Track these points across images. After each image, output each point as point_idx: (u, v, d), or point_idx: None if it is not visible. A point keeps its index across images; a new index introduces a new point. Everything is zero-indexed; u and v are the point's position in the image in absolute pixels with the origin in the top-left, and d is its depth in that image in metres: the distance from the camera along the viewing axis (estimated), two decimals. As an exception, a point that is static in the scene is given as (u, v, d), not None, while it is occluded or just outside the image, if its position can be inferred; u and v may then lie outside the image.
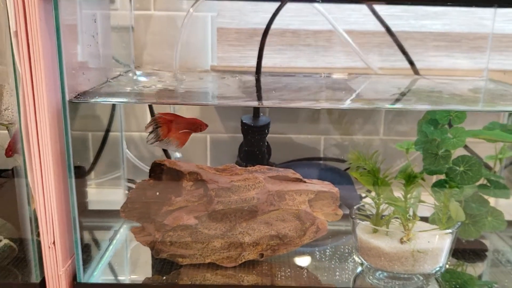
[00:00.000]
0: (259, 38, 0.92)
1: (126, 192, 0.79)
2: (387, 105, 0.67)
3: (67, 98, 0.51)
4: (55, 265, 0.55)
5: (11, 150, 0.56)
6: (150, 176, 0.64)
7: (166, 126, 0.56)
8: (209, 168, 0.64)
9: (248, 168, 0.65)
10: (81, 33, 0.56)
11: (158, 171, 0.63)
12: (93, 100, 0.57)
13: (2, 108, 0.54)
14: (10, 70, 0.50)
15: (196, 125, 0.57)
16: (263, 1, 0.82)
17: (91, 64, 0.62)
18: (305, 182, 0.65)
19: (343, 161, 0.89)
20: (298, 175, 0.65)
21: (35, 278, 0.58)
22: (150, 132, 0.55)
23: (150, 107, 0.81)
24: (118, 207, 0.67)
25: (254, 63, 0.94)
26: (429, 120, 0.64)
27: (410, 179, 0.62)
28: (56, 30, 0.50)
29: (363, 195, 0.79)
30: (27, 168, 0.53)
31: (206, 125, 0.58)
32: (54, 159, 0.52)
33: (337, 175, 0.86)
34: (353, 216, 0.63)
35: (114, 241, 0.71)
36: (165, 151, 0.82)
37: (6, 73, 0.50)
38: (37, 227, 0.56)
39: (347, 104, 0.64)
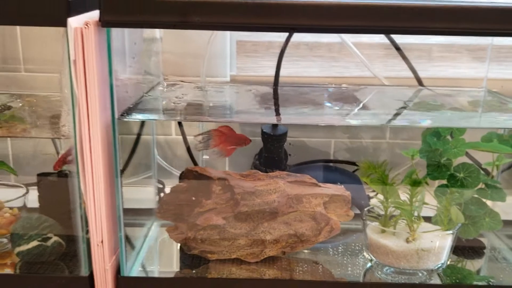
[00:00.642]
0: (274, 50, 1.00)
1: (157, 192, 0.86)
2: (395, 123, 0.74)
3: (116, 116, 0.59)
4: (102, 261, 0.63)
5: (60, 164, 0.64)
6: (181, 180, 0.72)
7: (217, 138, 0.63)
8: (234, 174, 0.72)
9: (269, 173, 0.72)
10: (126, 56, 0.64)
11: (190, 176, 0.71)
12: (138, 118, 0.65)
13: (60, 125, 0.62)
14: (68, 93, 0.57)
15: (242, 140, 0.65)
16: (273, 32, 0.88)
17: (131, 82, 0.69)
18: (320, 186, 0.73)
19: (352, 163, 0.96)
20: (314, 180, 0.73)
21: (84, 272, 0.66)
22: (201, 142, 0.63)
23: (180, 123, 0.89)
24: (149, 206, 0.75)
25: (270, 73, 1.01)
26: (432, 132, 0.71)
27: (415, 184, 0.69)
28: (108, 57, 0.57)
29: (371, 195, 0.86)
30: (80, 175, 0.60)
31: (250, 141, 0.65)
32: (103, 167, 0.60)
33: (347, 177, 0.93)
34: (364, 218, 0.71)
35: (147, 238, 0.79)
36: (191, 155, 0.90)
37: (64, 97, 0.58)
38: (86, 226, 0.64)
39: (357, 122, 0.72)
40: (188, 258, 0.73)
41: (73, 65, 0.56)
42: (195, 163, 0.91)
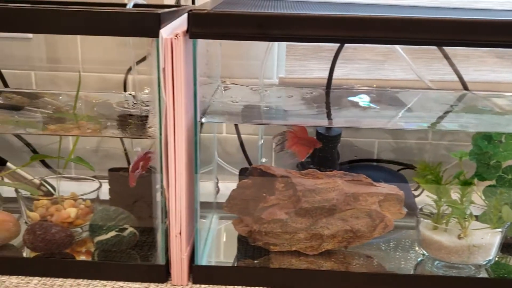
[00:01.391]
0: (323, 54, 1.05)
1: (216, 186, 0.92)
2: (447, 126, 0.78)
3: (198, 120, 0.65)
4: (179, 251, 0.69)
5: (134, 180, 0.70)
6: (241, 176, 0.78)
7: (291, 140, 0.69)
8: (295, 172, 0.77)
9: (327, 173, 0.78)
10: (203, 64, 0.69)
11: (254, 173, 0.77)
12: (216, 120, 0.70)
13: (147, 126, 0.69)
14: (155, 98, 0.63)
15: (312, 143, 0.70)
16: (325, 43, 0.92)
17: (203, 87, 0.75)
18: (375, 185, 0.78)
19: (398, 163, 1.01)
20: (369, 180, 0.78)
21: (161, 261, 0.72)
22: (277, 144, 0.68)
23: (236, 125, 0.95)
24: (210, 199, 0.80)
25: (317, 75, 1.06)
26: (483, 136, 0.75)
27: (466, 184, 0.74)
28: (193, 65, 0.63)
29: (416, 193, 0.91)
30: (163, 172, 0.66)
31: (320, 144, 0.71)
32: (185, 164, 0.66)
33: (393, 176, 0.98)
34: (417, 215, 0.76)
35: (210, 230, 0.85)
36: (246, 155, 0.95)
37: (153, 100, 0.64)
38: (164, 218, 0.70)
39: (410, 126, 0.76)
40: (248, 249, 0.78)
41: (162, 72, 0.62)
42: (249, 161, 0.97)
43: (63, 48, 1.07)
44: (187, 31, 0.61)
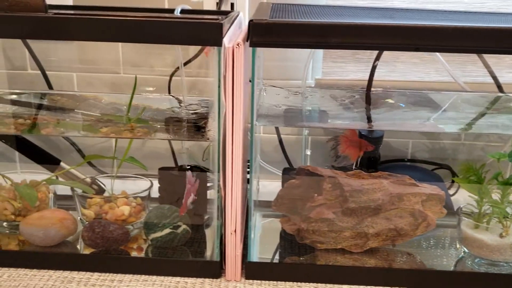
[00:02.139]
0: (360, 55, 1.07)
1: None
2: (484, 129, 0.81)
3: (255, 123, 0.68)
4: (234, 248, 0.73)
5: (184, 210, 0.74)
6: (284, 176, 0.81)
7: (344, 144, 0.72)
8: (341, 173, 0.80)
9: (372, 174, 0.81)
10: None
11: (302, 174, 0.80)
12: (272, 124, 0.73)
13: (206, 130, 0.72)
14: (215, 103, 0.67)
15: (364, 145, 0.73)
16: (363, 50, 0.95)
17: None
18: (418, 186, 0.81)
19: (432, 163, 1.04)
20: (413, 181, 0.81)
21: (216, 257, 0.75)
22: (332, 148, 0.71)
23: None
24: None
25: (354, 76, 1.09)
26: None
27: (507, 185, 0.77)
28: (252, 72, 0.66)
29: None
30: (220, 172, 0.70)
31: (373, 147, 0.73)
32: (242, 165, 0.69)
33: (429, 175, 1.01)
34: (459, 214, 0.79)
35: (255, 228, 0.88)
36: (286, 155, 0.98)
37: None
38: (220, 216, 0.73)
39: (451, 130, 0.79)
40: (293, 246, 0.81)
41: (222, 79, 0.65)
42: (288, 162, 1.00)
43: (104, 50, 1.10)
44: (247, 39, 0.64)
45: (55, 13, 0.69)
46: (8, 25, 0.65)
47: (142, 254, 0.81)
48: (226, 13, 0.92)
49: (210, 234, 0.85)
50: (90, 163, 1.01)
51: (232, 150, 0.68)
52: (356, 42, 0.63)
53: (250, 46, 0.64)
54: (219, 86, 0.66)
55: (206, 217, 0.85)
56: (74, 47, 1.08)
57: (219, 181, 0.71)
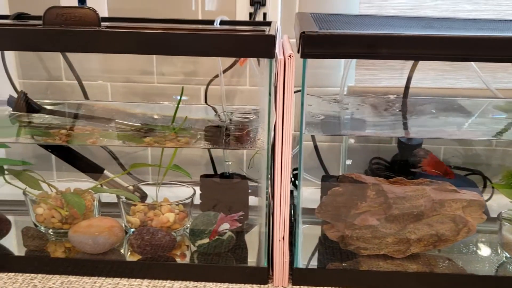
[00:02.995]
0: (392, 63, 1.09)
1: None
2: None
3: (303, 132, 0.70)
4: (282, 254, 0.74)
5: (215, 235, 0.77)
6: (323, 183, 0.83)
7: (428, 162, 0.74)
8: (383, 180, 0.82)
9: (414, 180, 0.82)
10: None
11: (346, 181, 0.81)
12: (321, 133, 0.75)
13: (256, 139, 0.74)
14: (266, 113, 0.68)
15: (448, 174, 0.76)
16: (396, 60, 0.96)
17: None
18: (459, 192, 0.82)
19: (465, 169, 1.05)
20: (453, 187, 0.82)
21: (264, 263, 0.76)
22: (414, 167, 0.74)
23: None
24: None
25: (385, 84, 1.10)
26: None
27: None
28: (302, 82, 0.67)
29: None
30: (269, 180, 0.71)
31: (453, 175, 0.76)
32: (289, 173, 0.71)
33: (464, 181, 1.02)
34: (500, 219, 0.80)
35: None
36: (322, 162, 1.00)
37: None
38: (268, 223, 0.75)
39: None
40: (335, 252, 0.83)
41: (273, 90, 0.67)
42: (324, 169, 1.02)
43: (138, 60, 1.12)
44: (298, 51, 0.66)
45: (107, 27, 0.71)
46: (65, 39, 0.67)
47: (186, 261, 0.82)
48: (263, 23, 0.94)
49: (250, 240, 0.87)
50: (124, 170, 1.03)
51: (282, 158, 0.69)
52: (406, 52, 0.64)
53: (302, 57, 0.66)
54: (269, 97, 0.68)
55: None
56: (108, 57, 1.10)
57: (267, 188, 0.73)
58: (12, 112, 0.91)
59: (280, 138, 0.69)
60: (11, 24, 0.83)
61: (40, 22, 0.70)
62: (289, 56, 0.65)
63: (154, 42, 0.65)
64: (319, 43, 0.65)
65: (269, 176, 0.72)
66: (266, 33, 0.66)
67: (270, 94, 0.68)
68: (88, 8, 0.70)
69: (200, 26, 0.83)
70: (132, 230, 0.85)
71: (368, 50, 0.64)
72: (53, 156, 1.05)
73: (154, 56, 1.11)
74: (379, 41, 0.64)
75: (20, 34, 0.69)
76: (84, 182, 0.92)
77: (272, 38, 0.65)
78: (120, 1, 1.08)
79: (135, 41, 0.65)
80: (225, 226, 0.79)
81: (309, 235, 0.90)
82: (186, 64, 1.09)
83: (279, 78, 0.66)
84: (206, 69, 1.05)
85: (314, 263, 0.82)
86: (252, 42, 0.65)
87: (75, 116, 0.97)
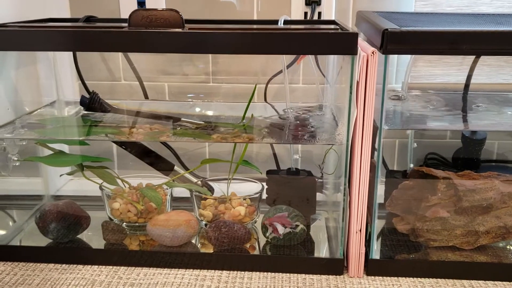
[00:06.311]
0: (447, 60, 1.10)
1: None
2: None
3: (383, 127, 0.72)
4: (358, 246, 0.76)
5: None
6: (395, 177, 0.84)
7: None
8: (452, 174, 0.83)
9: (482, 174, 0.84)
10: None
11: (416, 175, 0.83)
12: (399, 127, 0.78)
13: (335, 134, 0.76)
14: (346, 108, 0.71)
15: None
16: (454, 55, 0.98)
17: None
18: (527, 185, 0.83)
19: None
20: (521, 180, 0.83)
21: (340, 255, 0.79)
22: None
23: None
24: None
25: (440, 80, 1.12)
26: None
27: None
28: (383, 77, 0.69)
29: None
30: (346, 175, 0.73)
31: None
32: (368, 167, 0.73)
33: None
34: None
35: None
36: (383, 159, 1.02)
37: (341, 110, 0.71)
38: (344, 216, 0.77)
39: None
40: (402, 244, 0.84)
41: (355, 85, 0.69)
42: (385, 164, 1.03)
43: (194, 60, 1.15)
44: (380, 47, 0.68)
45: (190, 28, 0.74)
46: (152, 41, 0.70)
47: (256, 252, 0.85)
48: (326, 22, 0.96)
49: (315, 233, 0.89)
50: (184, 166, 1.06)
51: (361, 153, 0.72)
52: (486, 48, 0.66)
53: (384, 53, 0.68)
54: (350, 93, 0.70)
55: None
56: (164, 57, 1.14)
57: (345, 184, 0.75)
58: (84, 112, 0.95)
59: (361, 133, 0.71)
60: (89, 26, 0.86)
61: (118, 24, 0.73)
62: (372, 53, 0.67)
63: (241, 42, 0.68)
64: (402, 40, 0.67)
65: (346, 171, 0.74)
66: (350, 31, 0.69)
67: (351, 91, 0.70)
68: (173, 10, 0.73)
69: (272, 26, 0.86)
70: (204, 223, 0.88)
71: (450, 46, 0.66)
72: (118, 154, 1.09)
73: (210, 57, 1.14)
74: (462, 38, 0.65)
75: (107, 36, 0.72)
76: (151, 179, 0.96)
77: (356, 36, 0.67)
78: (176, 5, 1.11)
79: (222, 42, 0.68)
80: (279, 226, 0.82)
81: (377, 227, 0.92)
82: (239, 64, 1.11)
83: (361, 74, 0.68)
84: (256, 69, 1.08)
85: (385, 255, 0.84)
86: (337, 40, 0.67)
87: (143, 115, 1.00)
